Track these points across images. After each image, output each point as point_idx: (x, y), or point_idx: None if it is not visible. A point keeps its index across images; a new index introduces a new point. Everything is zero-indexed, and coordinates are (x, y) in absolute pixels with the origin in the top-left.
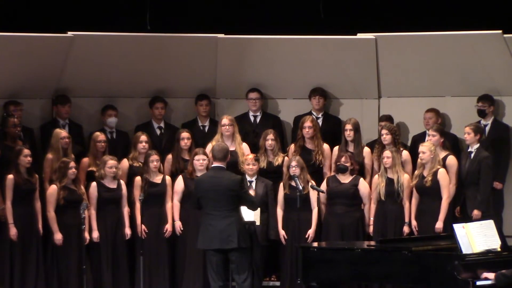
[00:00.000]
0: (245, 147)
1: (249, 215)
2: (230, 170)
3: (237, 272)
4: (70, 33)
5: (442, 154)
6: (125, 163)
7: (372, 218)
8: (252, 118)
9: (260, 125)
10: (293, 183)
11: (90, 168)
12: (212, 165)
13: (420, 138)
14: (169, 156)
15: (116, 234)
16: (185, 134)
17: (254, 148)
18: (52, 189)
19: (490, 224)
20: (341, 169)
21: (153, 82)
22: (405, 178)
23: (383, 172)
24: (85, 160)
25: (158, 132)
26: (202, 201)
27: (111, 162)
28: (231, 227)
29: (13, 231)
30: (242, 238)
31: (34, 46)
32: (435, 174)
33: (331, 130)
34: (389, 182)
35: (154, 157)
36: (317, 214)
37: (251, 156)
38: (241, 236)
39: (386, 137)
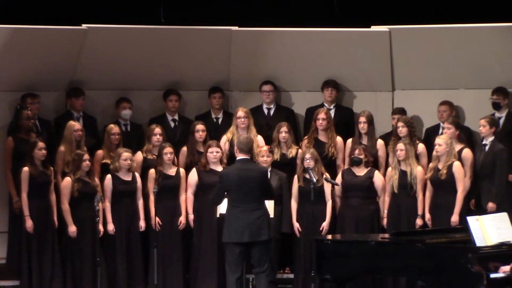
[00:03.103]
0: (260, 139)
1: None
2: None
3: (258, 263)
4: (84, 26)
5: (458, 147)
6: (139, 155)
7: (386, 211)
8: (265, 111)
9: (274, 117)
10: (307, 176)
11: (104, 161)
12: (238, 158)
13: (434, 130)
14: (184, 149)
15: (130, 226)
16: (200, 126)
17: (268, 141)
18: (66, 182)
19: (503, 216)
20: (355, 162)
21: (167, 75)
22: (418, 170)
23: (396, 164)
24: (99, 152)
25: (172, 124)
26: (230, 194)
27: (125, 154)
28: (261, 220)
29: (29, 224)
30: (271, 230)
31: (48, 38)
32: (450, 167)
33: (343, 121)
34: (402, 174)
35: (168, 149)
36: (331, 206)
37: (265, 148)
38: (269, 228)
39: (402, 130)
